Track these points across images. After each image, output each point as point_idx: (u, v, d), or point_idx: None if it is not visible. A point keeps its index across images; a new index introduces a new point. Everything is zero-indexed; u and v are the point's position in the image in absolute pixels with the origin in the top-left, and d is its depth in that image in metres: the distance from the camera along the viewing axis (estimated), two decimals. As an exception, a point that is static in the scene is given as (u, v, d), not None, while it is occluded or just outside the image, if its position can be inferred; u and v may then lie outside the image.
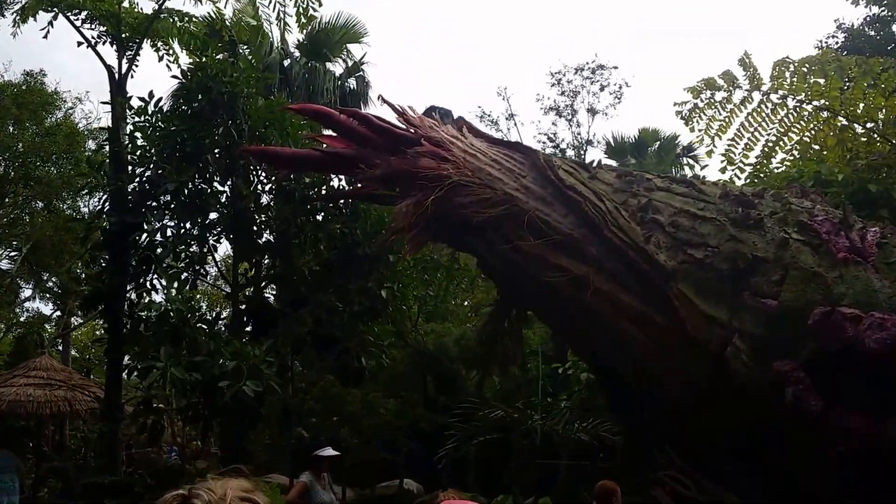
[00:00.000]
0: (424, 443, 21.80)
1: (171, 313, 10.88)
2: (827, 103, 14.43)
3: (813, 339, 7.08)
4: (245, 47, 14.77)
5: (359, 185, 8.87)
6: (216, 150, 12.67)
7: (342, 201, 12.80)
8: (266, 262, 13.71)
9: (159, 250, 12.21)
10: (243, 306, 13.49)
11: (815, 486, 7.43)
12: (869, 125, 14.43)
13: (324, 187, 12.64)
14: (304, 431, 14.04)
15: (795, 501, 7.50)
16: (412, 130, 8.62)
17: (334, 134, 9.30)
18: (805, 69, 14.35)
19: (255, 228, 13.58)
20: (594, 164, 8.62)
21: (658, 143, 31.83)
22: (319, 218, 12.93)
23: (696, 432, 7.81)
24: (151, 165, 12.78)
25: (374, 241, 12.41)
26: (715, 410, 7.37)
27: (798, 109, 14.64)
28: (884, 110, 14.15)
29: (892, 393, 7.20)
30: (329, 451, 6.77)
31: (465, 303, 27.56)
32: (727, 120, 15.00)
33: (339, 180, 12.78)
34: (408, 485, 20.41)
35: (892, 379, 7.15)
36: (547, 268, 7.76)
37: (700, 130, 14.92)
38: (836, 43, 27.47)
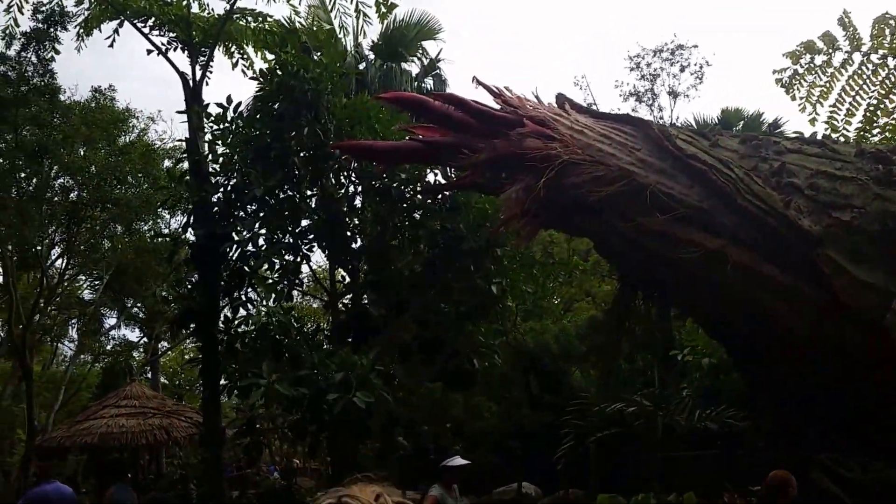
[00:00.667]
0: (530, 443, 21.66)
1: (272, 326, 10.91)
2: None
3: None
4: (318, 54, 14.69)
5: (463, 174, 8.73)
6: (302, 153, 12.67)
7: (442, 195, 12.67)
8: (363, 266, 13.65)
9: (252, 262, 12.28)
10: (342, 316, 13.47)
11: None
12: None
13: (418, 184, 12.52)
14: (403, 440, 13.99)
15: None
16: (512, 111, 8.44)
17: (429, 124, 9.18)
18: None
19: (348, 233, 13.57)
20: (712, 132, 8.25)
21: (742, 122, 30.86)
22: (417, 216, 12.79)
23: (856, 409, 7.42)
24: (235, 173, 12.85)
25: (479, 235, 12.24)
26: (876, 384, 6.98)
27: None
28: None
29: None
30: (458, 461, 6.61)
31: (557, 300, 27.18)
32: (828, 85, 14.47)
33: (435, 174, 12.66)
34: (525, 488, 20.21)
35: None
36: (675, 244, 7.52)
37: (801, 98, 14.47)
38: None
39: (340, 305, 13.70)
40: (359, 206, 13.60)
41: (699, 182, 7.71)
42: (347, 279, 13.99)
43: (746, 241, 7.40)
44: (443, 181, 12.06)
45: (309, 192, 13.23)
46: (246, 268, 12.41)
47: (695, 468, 16.27)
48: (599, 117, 8.69)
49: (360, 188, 13.33)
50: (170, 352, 37.42)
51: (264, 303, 11.98)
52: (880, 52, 14.28)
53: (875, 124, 13.88)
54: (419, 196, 12.65)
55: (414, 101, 9.46)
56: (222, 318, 13.26)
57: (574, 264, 17.73)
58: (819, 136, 9.57)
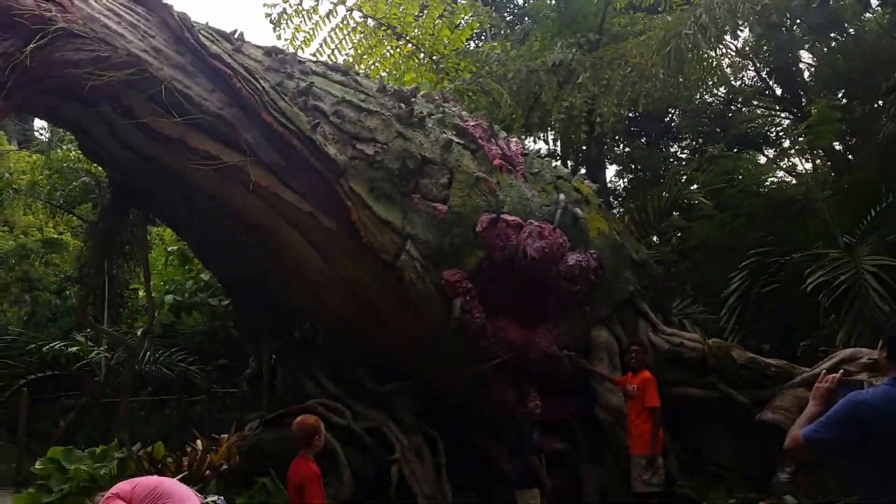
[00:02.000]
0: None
1: None
2: (400, 28, 15.47)
3: (481, 247, 7.28)
4: None
5: None
6: None
7: None
8: None
9: None
10: None
11: (465, 401, 7.75)
12: (435, 56, 15.75)
13: None
14: None
15: (442, 416, 7.75)
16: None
17: None
18: None
19: None
20: (236, 35, 7.62)
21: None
22: None
23: (357, 354, 7.65)
24: None
25: None
26: (381, 327, 7.31)
27: (376, 31, 15.45)
28: (447, 42, 15.65)
29: (542, 303, 7.76)
30: None
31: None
32: (312, 32, 15.14)
33: None
34: None
35: (544, 288, 7.70)
36: (186, 154, 6.78)
37: (286, 40, 15.00)
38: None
39: None
40: None
41: (221, 87, 7.17)
42: None
43: (266, 161, 7.02)
44: None
45: None
46: None
47: (151, 417, 15.47)
48: (102, -13, 7.34)
49: None
50: None
51: None
52: (362, 10, 15.35)
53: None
54: None
55: None
56: None
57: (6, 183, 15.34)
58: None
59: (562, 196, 8.14)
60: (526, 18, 21.12)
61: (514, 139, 9.12)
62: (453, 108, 8.71)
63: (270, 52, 7.82)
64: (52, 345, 14.96)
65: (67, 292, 23.60)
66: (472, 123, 8.37)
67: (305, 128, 7.10)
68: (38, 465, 7.03)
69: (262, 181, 6.92)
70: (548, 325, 7.78)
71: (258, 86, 7.12)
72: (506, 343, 7.52)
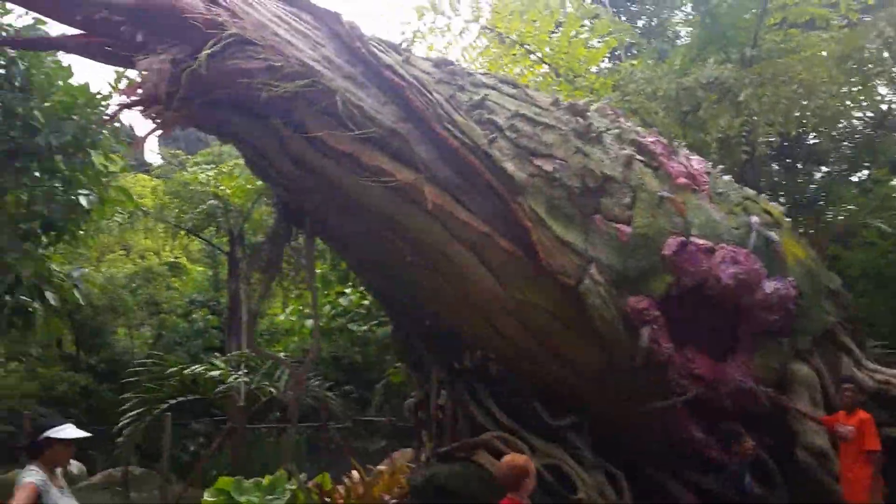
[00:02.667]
0: (63, 411, 18.92)
1: None
2: (534, 47, 15.13)
3: (668, 272, 6.69)
4: None
5: (86, 19, 6.45)
6: None
7: (9, 69, 9.67)
8: None
9: None
10: None
11: (645, 437, 7.11)
12: (570, 75, 15.34)
13: None
14: None
15: (622, 456, 7.14)
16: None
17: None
18: (521, 5, 14.78)
19: None
20: (403, 46, 7.32)
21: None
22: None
23: (530, 384, 7.10)
24: None
25: (62, 128, 9.60)
26: (557, 356, 6.79)
27: (510, 49, 15.17)
28: (584, 60, 15.22)
29: (733, 334, 7.13)
30: (72, 431, 4.69)
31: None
32: (445, 50, 14.96)
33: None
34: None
35: (736, 318, 7.07)
36: (357, 170, 6.43)
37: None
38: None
39: None
40: None
41: (394, 100, 6.84)
42: None
43: (440, 178, 6.64)
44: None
45: None
46: None
47: (279, 443, 15.45)
48: (271, -4, 7.16)
49: None
50: None
51: None
52: (496, 28, 15.08)
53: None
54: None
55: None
56: None
57: (136, 205, 15.68)
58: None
59: (754, 218, 7.46)
60: (649, 38, 20.47)
61: (697, 157, 8.51)
62: (627, 124, 8.20)
63: (439, 63, 7.48)
64: (193, 368, 15.06)
65: (194, 315, 24.18)
66: (650, 139, 7.82)
67: (482, 142, 6.70)
68: (208, 497, 6.82)
69: (436, 199, 6.54)
70: (740, 358, 7.09)
71: (432, 98, 6.78)
72: (695, 376, 6.89)
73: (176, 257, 25.50)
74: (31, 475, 4.52)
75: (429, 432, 7.74)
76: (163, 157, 22.75)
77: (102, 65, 8.88)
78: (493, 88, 7.41)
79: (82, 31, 6.88)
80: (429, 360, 7.59)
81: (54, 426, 4.73)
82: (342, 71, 6.75)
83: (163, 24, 6.31)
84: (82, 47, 7.05)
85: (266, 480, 7.09)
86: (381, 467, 8.27)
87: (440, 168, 6.66)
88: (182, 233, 22.12)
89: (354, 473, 7.93)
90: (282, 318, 17.33)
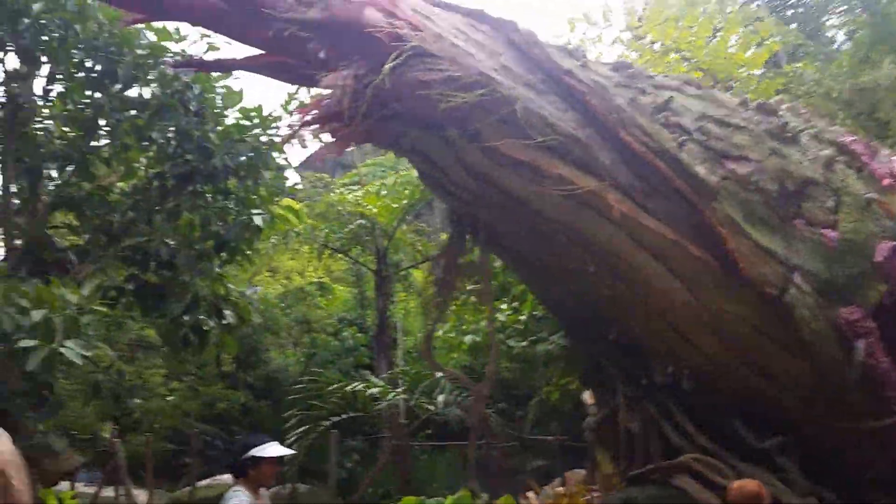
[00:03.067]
0: (223, 428, 19.72)
1: None
2: (689, 53, 14.60)
3: (881, 280, 6.15)
4: None
5: (259, 52, 6.62)
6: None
7: (186, 94, 10.12)
8: (56, 179, 10.68)
9: None
10: (18, 242, 10.43)
11: (859, 460, 6.55)
12: (730, 81, 14.74)
13: (159, 59, 9.82)
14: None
15: (834, 480, 6.57)
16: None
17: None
18: (676, 11, 14.33)
19: (36, 125, 10.54)
20: (578, 52, 7.11)
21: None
22: (144, 117, 10.10)
23: (726, 402, 6.67)
24: None
25: (234, 150, 9.96)
26: (757, 371, 6.31)
27: (663, 57, 14.69)
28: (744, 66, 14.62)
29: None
30: (276, 449, 4.68)
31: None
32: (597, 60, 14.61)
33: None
34: (227, 479, 17.76)
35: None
36: (535, 179, 6.25)
37: None
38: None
39: (16, 228, 10.62)
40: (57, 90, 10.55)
41: (574, 106, 6.63)
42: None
43: (624, 185, 6.37)
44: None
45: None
46: None
47: (434, 461, 15.50)
48: (448, 8, 7.15)
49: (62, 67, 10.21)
50: None
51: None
52: (649, 36, 14.67)
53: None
54: (153, 86, 10.05)
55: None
56: None
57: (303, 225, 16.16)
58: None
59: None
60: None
61: (896, 157, 7.91)
62: (820, 124, 7.68)
63: (617, 67, 7.22)
64: (354, 385, 15.33)
65: (345, 333, 24.72)
66: (850, 139, 7.28)
67: (670, 146, 6.40)
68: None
69: (620, 206, 6.30)
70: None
71: (614, 102, 6.55)
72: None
73: (319, 277, 26.18)
74: (238, 496, 4.53)
75: (611, 453, 7.42)
76: (308, 181, 23.38)
77: (271, 86, 9.08)
78: (677, 90, 7.08)
79: (264, 52, 7.09)
80: (614, 376, 7.28)
81: (257, 444, 4.74)
82: (520, 79, 6.61)
83: (345, 39, 6.38)
84: (263, 67, 7.26)
85: (448, 500, 6.98)
86: (559, 489, 8.02)
87: (623, 174, 6.41)
88: (326, 253, 22.63)
89: (531, 495, 7.71)
90: (440, 334, 17.41)
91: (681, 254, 6.30)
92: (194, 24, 7.18)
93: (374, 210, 20.64)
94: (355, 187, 23.58)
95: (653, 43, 14.93)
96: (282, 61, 6.96)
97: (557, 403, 15.03)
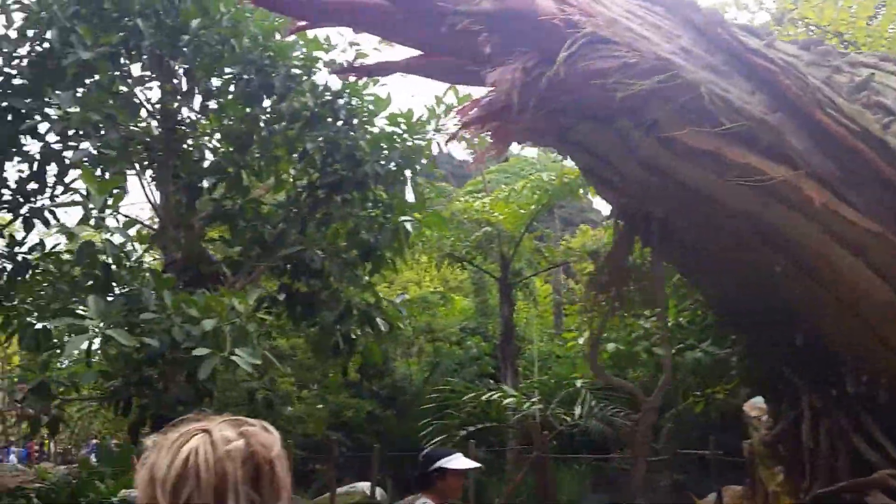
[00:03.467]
0: (352, 436, 20.09)
1: (102, 248, 7.95)
2: (850, 35, 13.69)
3: None
4: None
5: (419, 55, 6.47)
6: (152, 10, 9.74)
7: (335, 102, 10.18)
8: (210, 191, 10.97)
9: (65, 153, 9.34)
10: (176, 254, 10.75)
11: None
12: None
13: (311, 69, 9.91)
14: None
15: None
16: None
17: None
18: None
19: (190, 142, 10.86)
20: (764, 30, 6.68)
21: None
22: (294, 128, 10.24)
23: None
24: (49, 31, 9.48)
25: (385, 157, 9.95)
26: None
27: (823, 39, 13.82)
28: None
29: None
30: (463, 461, 4.49)
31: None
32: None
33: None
34: (363, 487, 18.08)
35: None
36: (718, 169, 5.81)
37: None
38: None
39: (174, 240, 10.93)
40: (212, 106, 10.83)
41: (761, 88, 6.11)
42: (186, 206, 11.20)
43: (818, 173, 5.85)
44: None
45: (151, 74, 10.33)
46: (59, 164, 9.47)
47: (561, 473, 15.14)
48: (617, -10, 6.80)
49: (218, 83, 10.46)
50: None
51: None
52: (807, 19, 13.94)
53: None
54: (306, 97, 10.14)
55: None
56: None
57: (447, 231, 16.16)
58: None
59: None
60: None
61: None
62: None
63: (807, 44, 6.72)
64: (489, 395, 15.18)
65: (469, 342, 24.66)
66: None
67: (874, 128, 5.87)
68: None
69: (814, 196, 5.81)
70: None
71: (808, 82, 6.08)
72: None
73: (435, 288, 26.24)
74: None
75: (785, 469, 6.87)
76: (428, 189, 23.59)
77: (415, 92, 8.98)
78: (875, 68, 6.53)
79: (424, 53, 6.97)
80: (798, 385, 6.73)
81: (443, 456, 4.55)
82: (701, 61, 6.22)
83: (514, 30, 6.15)
84: (423, 68, 7.13)
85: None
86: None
87: (818, 161, 5.91)
88: (445, 262, 22.55)
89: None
90: (579, 342, 17.07)
91: (883, 248, 5.77)
92: (357, 28, 7.13)
93: (500, 217, 20.52)
94: (479, 195, 23.53)
95: (808, 26, 14.20)
96: (442, 61, 6.82)
97: (700, 417, 14.38)
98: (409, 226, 10.33)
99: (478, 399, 15.13)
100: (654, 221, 6.83)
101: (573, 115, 6.55)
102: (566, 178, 20.74)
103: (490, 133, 6.67)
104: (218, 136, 10.83)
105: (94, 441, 24.43)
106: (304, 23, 7.22)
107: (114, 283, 7.89)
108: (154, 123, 11.08)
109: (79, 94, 9.10)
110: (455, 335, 24.85)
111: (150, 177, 11.50)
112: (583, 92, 6.23)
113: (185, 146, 10.95)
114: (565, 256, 23.12)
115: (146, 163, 11.27)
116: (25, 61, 9.75)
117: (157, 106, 11.14)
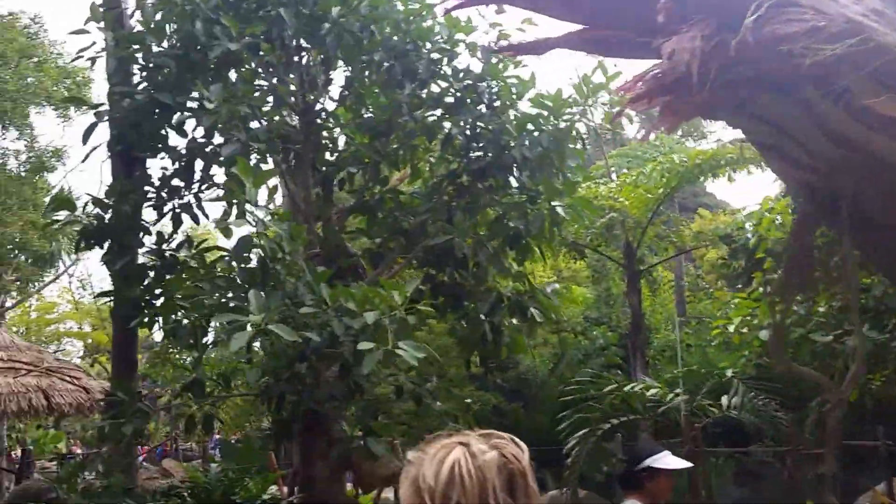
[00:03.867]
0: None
1: (262, 243, 8.04)
2: None
3: None
4: None
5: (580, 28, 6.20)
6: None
7: (478, 86, 10.02)
8: (348, 182, 11.02)
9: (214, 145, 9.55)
10: (316, 248, 10.83)
11: None
12: None
13: (454, 49, 9.78)
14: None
15: None
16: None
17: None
18: None
19: (326, 134, 10.92)
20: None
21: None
22: (435, 114, 10.15)
23: None
24: (191, 21, 9.62)
25: (532, 141, 9.73)
26: None
27: None
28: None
29: None
30: (672, 460, 4.22)
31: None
32: None
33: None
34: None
35: None
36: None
37: None
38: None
39: (317, 232, 11.02)
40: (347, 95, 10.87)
41: (971, 51, 5.53)
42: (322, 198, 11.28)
43: None
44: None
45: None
46: (205, 159, 9.67)
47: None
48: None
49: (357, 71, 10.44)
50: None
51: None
52: None
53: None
54: (448, 82, 10.02)
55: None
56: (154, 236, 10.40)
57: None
58: None
59: None
60: None
61: None
62: None
63: None
64: (632, 386, 14.79)
65: (595, 332, 24.14)
66: None
67: None
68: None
69: None
70: None
71: None
72: None
73: (549, 278, 25.89)
74: None
75: None
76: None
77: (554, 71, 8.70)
78: None
79: (586, 26, 6.70)
80: None
81: (652, 453, 4.28)
82: (894, 23, 5.76)
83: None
84: (583, 43, 6.86)
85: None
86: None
87: None
88: (563, 251, 22.09)
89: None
90: (732, 329, 16.46)
91: None
92: (514, 2, 6.92)
93: (626, 202, 19.96)
94: (601, 180, 22.91)
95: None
96: (606, 34, 6.54)
97: (854, 407, 13.56)
98: (560, 210, 10.06)
99: (620, 390, 14.79)
100: (843, 200, 6.38)
101: (753, 86, 6.17)
102: (699, 159, 20.04)
103: (660, 108, 6.37)
104: (355, 125, 10.83)
105: (217, 437, 25.07)
106: (455, 2, 7.07)
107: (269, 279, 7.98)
108: (293, 115, 11.20)
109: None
110: (580, 325, 24.45)
111: (287, 169, 11.61)
112: (766, 60, 5.85)
113: (323, 137, 11.04)
114: (695, 241, 22.38)
115: (283, 155, 11.37)
116: (168, 56, 9.96)
117: (293, 99, 11.24)
